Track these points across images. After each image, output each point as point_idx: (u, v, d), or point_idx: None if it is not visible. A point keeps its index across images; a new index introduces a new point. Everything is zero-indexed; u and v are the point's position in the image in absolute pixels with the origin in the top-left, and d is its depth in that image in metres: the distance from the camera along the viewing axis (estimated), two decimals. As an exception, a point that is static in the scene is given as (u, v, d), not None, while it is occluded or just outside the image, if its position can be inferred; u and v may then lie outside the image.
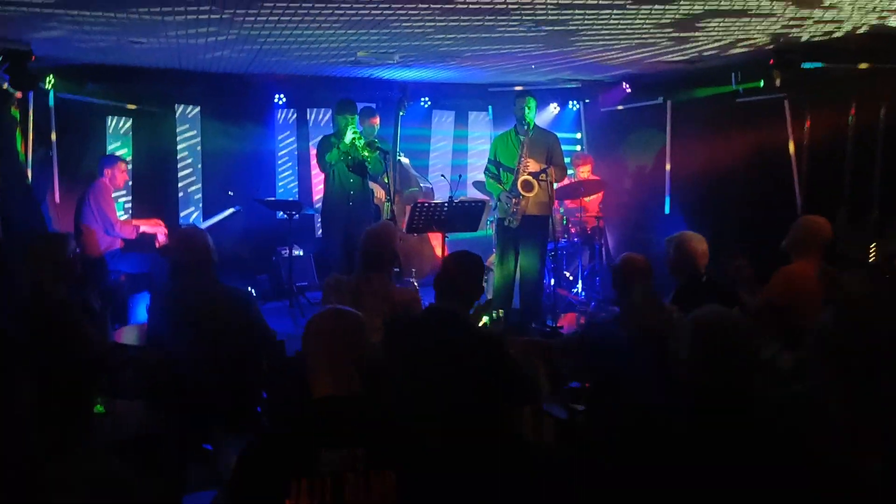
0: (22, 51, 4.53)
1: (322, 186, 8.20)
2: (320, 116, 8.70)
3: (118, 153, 7.49)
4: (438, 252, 7.33)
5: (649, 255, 7.54)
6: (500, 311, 6.21)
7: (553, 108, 9.00)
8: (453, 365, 2.80)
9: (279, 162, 8.63)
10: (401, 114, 7.46)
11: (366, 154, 6.25)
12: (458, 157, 9.11)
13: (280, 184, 8.63)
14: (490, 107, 9.11)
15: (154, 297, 3.78)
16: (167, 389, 3.74)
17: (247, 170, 8.30)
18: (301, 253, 7.79)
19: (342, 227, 6.29)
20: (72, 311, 3.66)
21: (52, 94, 6.79)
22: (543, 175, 6.01)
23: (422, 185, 7.60)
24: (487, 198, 6.06)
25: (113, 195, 6.31)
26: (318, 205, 8.30)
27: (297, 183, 8.66)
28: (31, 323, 3.60)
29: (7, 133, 5.04)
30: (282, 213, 7.81)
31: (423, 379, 2.81)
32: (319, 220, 6.58)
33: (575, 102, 8.87)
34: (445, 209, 5.37)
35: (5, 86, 4.53)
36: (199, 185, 8.28)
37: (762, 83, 6.13)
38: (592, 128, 8.55)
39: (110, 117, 7.76)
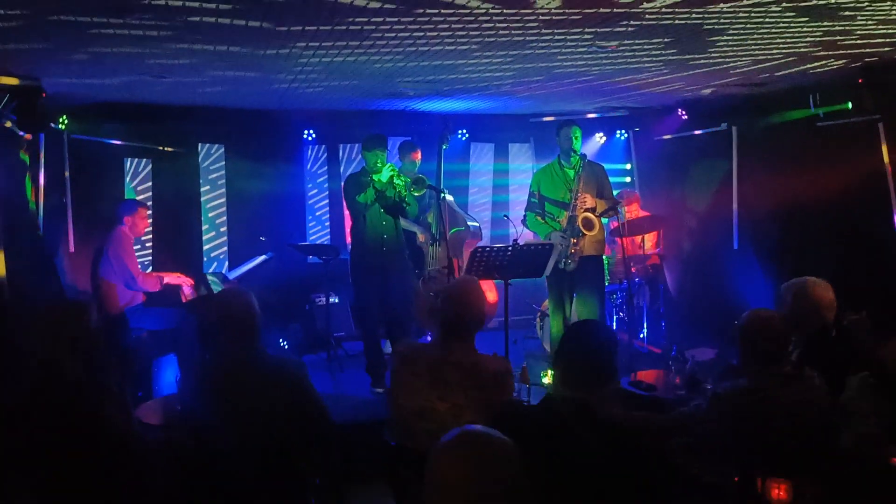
0: (31, 87, 3.96)
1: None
2: (353, 153, 8.12)
3: (138, 198, 6.95)
4: (491, 297, 6.70)
5: (718, 293, 7.01)
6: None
7: (599, 139, 8.43)
8: (608, 478, 2.13)
9: (310, 203, 8.04)
10: (444, 147, 6.90)
11: (405, 192, 5.63)
12: (498, 192, 8.50)
13: (311, 226, 8.03)
14: (531, 138, 8.53)
15: (185, 370, 3.15)
16: (199, 482, 3.13)
17: (276, 212, 7.73)
18: (337, 300, 7.17)
19: (376, 277, 5.65)
20: (91, 393, 3.04)
21: (65, 136, 6.28)
22: (611, 212, 5.42)
23: (469, 224, 6.98)
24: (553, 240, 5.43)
25: (134, 245, 5.74)
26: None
27: (329, 224, 8.06)
28: (40, 409, 2.99)
29: (15, 180, 4.47)
30: (316, 258, 7.24)
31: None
32: (349, 266, 5.95)
33: (623, 131, 8.27)
34: (509, 253, 4.74)
35: (8, 123, 3.92)
36: (225, 231, 7.69)
37: (850, 105, 5.51)
38: (644, 158, 7.93)
39: (128, 159, 7.23)
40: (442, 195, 5.33)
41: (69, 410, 3.02)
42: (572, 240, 5.43)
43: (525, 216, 5.95)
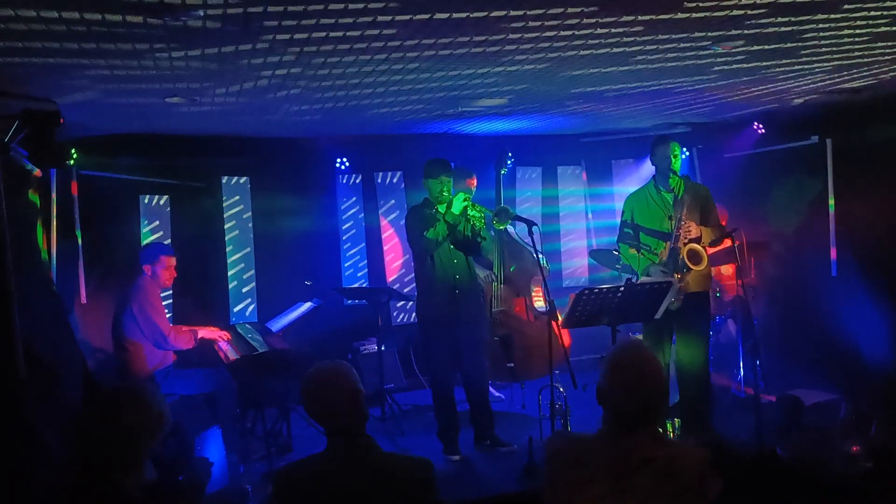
0: (46, 113, 3.18)
1: (398, 265, 6.94)
2: (392, 180, 7.36)
3: (154, 238, 6.15)
4: (566, 341, 5.89)
5: (816, 327, 6.22)
6: (677, 420, 4.76)
7: (655, 158, 7.69)
8: None
9: (344, 238, 7.24)
10: (502, 172, 6.12)
11: (480, 225, 4.85)
12: (548, 220, 7.71)
13: (347, 265, 7.22)
14: (583, 160, 7.80)
15: (279, 486, 2.32)
16: None
17: (308, 251, 6.93)
18: (382, 348, 6.34)
19: (448, 326, 4.84)
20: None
21: (74, 172, 5.47)
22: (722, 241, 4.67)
23: (537, 256, 6.17)
24: (670, 278, 4.62)
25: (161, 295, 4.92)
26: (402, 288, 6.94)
27: (366, 265, 7.25)
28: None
29: (26, 226, 3.64)
30: (356, 301, 6.43)
31: None
32: (414, 313, 5.12)
33: (684, 150, 7.53)
34: (619, 295, 3.95)
35: (8, 152, 3.07)
36: (252, 274, 6.86)
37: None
38: (712, 178, 7.15)
39: (144, 196, 6.42)
40: (536, 227, 4.53)
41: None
42: (675, 275, 4.64)
43: (618, 248, 5.18)
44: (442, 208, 4.89)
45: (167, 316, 5.12)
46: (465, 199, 4.80)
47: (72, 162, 5.17)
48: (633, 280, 4.75)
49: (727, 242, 6.07)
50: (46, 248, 4.39)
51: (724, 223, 6.38)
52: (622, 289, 3.99)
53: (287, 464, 2.39)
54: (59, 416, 3.44)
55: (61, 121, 3.27)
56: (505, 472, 4.49)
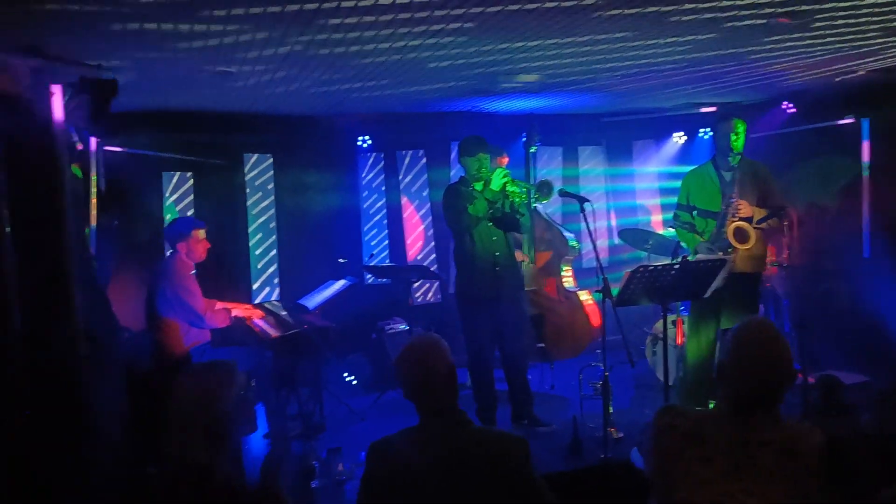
0: (104, 81, 3.08)
1: (419, 244, 6.86)
2: (414, 159, 7.26)
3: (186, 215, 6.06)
4: (596, 321, 5.86)
5: (847, 308, 6.21)
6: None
7: (677, 139, 7.66)
8: None
9: (366, 217, 7.16)
10: (532, 150, 6.02)
11: (520, 201, 4.79)
12: (568, 201, 7.62)
13: (371, 244, 7.15)
14: (604, 140, 7.73)
15: (374, 461, 2.27)
16: None
17: (330, 229, 6.85)
18: (406, 327, 6.28)
19: (489, 305, 4.77)
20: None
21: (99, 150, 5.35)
22: (771, 222, 4.61)
23: (566, 235, 6.12)
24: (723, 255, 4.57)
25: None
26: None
27: (388, 243, 7.18)
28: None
29: (79, 205, 3.50)
30: (378, 280, 6.36)
31: None
32: (454, 294, 5.04)
33: (708, 130, 7.47)
34: (673, 272, 3.90)
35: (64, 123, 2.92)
36: (275, 251, 6.78)
37: None
38: (742, 158, 7.11)
39: (167, 173, 6.32)
40: (588, 203, 4.46)
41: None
42: (719, 253, 4.59)
43: (677, 233, 5.10)
44: (479, 186, 4.82)
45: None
46: (504, 175, 4.74)
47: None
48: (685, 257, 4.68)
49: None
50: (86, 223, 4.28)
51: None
52: (677, 266, 3.93)
53: (381, 438, 2.33)
54: (111, 394, 3.38)
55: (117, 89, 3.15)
56: (548, 452, 4.45)
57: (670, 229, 4.83)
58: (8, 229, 2.71)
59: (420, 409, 2.33)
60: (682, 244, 5.00)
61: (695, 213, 4.86)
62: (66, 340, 2.90)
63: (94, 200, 4.19)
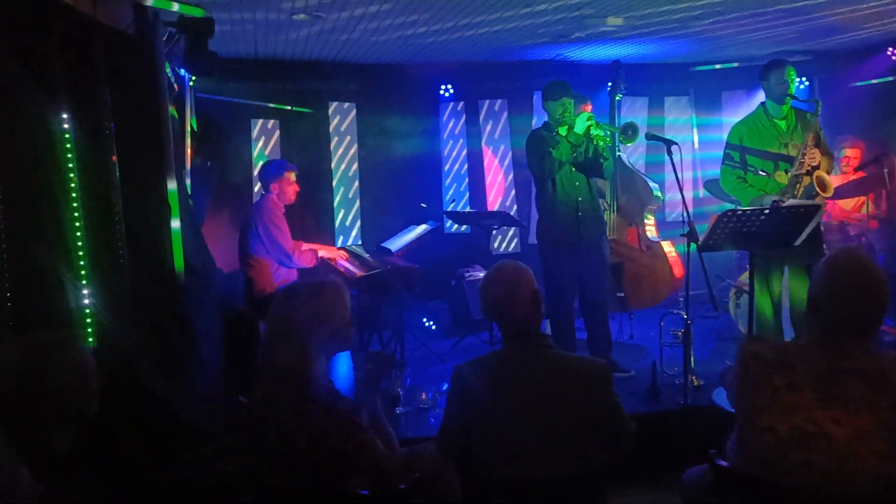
0: (202, 20, 3.20)
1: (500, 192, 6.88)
2: (495, 108, 7.25)
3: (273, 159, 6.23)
4: (678, 272, 5.79)
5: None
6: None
7: (769, 88, 7.36)
8: None
9: (446, 164, 7.22)
10: (617, 98, 5.94)
11: (604, 144, 4.73)
12: (653, 151, 7.50)
13: (449, 191, 7.22)
14: (691, 90, 7.52)
15: (460, 380, 2.35)
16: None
17: (411, 176, 6.95)
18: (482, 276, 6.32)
19: (570, 251, 4.77)
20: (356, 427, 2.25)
21: (192, 93, 5.55)
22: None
23: (650, 184, 6.03)
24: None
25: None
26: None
27: (468, 189, 7.23)
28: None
29: (180, 142, 3.67)
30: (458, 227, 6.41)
31: None
32: (536, 239, 5.05)
33: (804, 79, 7.16)
34: (763, 217, 3.81)
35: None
36: (357, 197, 6.93)
37: None
38: (836, 109, 6.80)
39: (255, 120, 6.50)
40: (676, 146, 4.38)
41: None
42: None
43: (720, 176, 4.98)
44: (563, 131, 4.79)
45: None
46: (588, 119, 4.69)
47: (191, 84, 5.24)
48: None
49: (858, 174, 5.82)
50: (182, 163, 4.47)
51: (858, 152, 6.11)
52: (766, 211, 3.84)
53: (467, 361, 2.41)
54: (210, 324, 3.55)
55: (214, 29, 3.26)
56: (626, 396, 4.45)
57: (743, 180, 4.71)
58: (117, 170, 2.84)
59: (504, 331, 2.39)
60: (728, 192, 4.86)
61: (748, 156, 4.70)
62: (169, 271, 3.06)
63: (188, 141, 4.36)
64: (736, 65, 7.23)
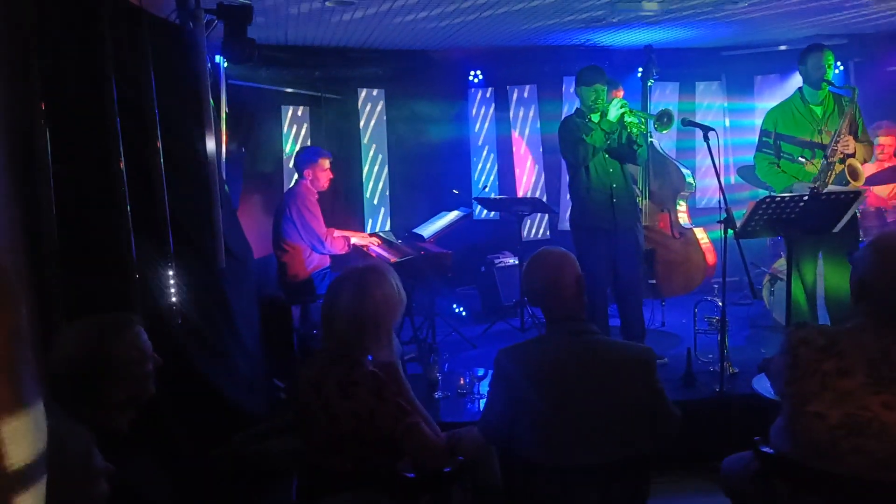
0: (241, 6, 3.22)
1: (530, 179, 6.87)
2: (524, 94, 7.22)
3: (302, 146, 6.25)
4: (710, 259, 5.75)
5: None
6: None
7: (802, 73, 7.25)
8: None
9: (475, 151, 7.21)
10: (649, 84, 5.89)
11: (638, 131, 4.69)
12: (684, 136, 7.43)
13: (478, 177, 7.21)
14: (723, 75, 7.43)
15: (503, 364, 2.36)
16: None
17: (439, 162, 6.95)
18: (515, 262, 6.34)
19: (605, 238, 4.75)
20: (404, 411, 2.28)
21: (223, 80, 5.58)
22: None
23: (682, 170, 5.98)
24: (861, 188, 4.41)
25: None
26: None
27: (497, 175, 7.22)
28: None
29: (216, 127, 3.70)
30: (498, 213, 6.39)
31: None
32: (569, 226, 5.03)
33: (839, 64, 7.04)
34: (802, 204, 3.77)
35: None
36: (387, 183, 6.95)
37: None
38: (873, 94, 6.69)
39: (285, 107, 6.53)
40: (713, 132, 4.33)
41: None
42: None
43: (755, 163, 4.94)
44: (595, 117, 4.76)
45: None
46: (622, 105, 4.66)
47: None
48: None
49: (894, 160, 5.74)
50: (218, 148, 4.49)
51: (894, 143, 6.02)
52: (805, 198, 3.80)
53: (509, 346, 2.42)
54: (247, 308, 3.58)
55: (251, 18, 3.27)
56: (662, 382, 4.44)
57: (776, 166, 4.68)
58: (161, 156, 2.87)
59: (548, 316, 2.40)
60: (762, 178, 4.83)
61: (782, 142, 4.66)
62: (210, 253, 3.09)
63: (223, 128, 4.39)
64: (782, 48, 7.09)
